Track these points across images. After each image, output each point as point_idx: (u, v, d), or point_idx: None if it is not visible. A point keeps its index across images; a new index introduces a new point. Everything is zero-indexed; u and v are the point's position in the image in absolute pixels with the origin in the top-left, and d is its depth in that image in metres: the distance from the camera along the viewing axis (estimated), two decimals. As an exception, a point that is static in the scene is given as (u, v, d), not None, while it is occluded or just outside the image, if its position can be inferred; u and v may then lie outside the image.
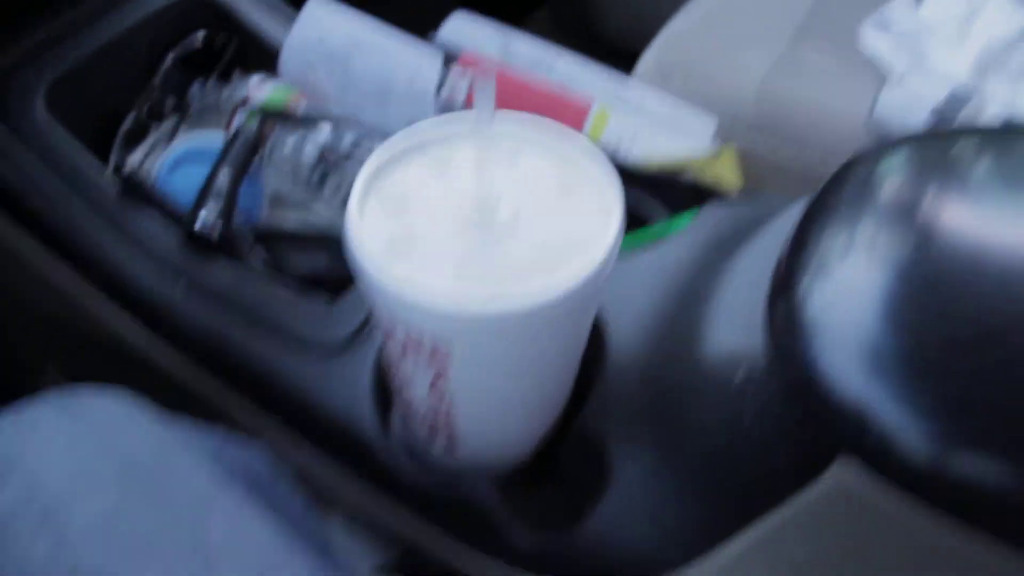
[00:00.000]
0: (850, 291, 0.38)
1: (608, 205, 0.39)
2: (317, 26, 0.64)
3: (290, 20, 0.69)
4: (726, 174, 0.62)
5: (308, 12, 0.65)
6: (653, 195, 0.60)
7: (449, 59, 0.75)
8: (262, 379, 0.53)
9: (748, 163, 0.68)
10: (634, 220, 0.60)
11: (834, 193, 0.43)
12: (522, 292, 0.36)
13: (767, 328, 0.38)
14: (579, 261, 0.37)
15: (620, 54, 0.94)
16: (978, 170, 0.43)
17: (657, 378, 0.44)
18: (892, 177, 0.43)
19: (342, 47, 0.64)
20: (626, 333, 0.47)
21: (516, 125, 0.42)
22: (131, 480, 0.34)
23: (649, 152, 0.65)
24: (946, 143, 0.45)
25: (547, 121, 0.42)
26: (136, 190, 0.60)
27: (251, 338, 0.54)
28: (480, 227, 0.38)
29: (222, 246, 0.57)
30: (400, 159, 0.41)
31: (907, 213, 0.40)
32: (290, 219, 0.65)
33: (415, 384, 0.42)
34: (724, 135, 0.72)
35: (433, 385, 0.41)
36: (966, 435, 0.33)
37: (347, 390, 0.50)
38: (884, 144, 0.46)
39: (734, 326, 0.42)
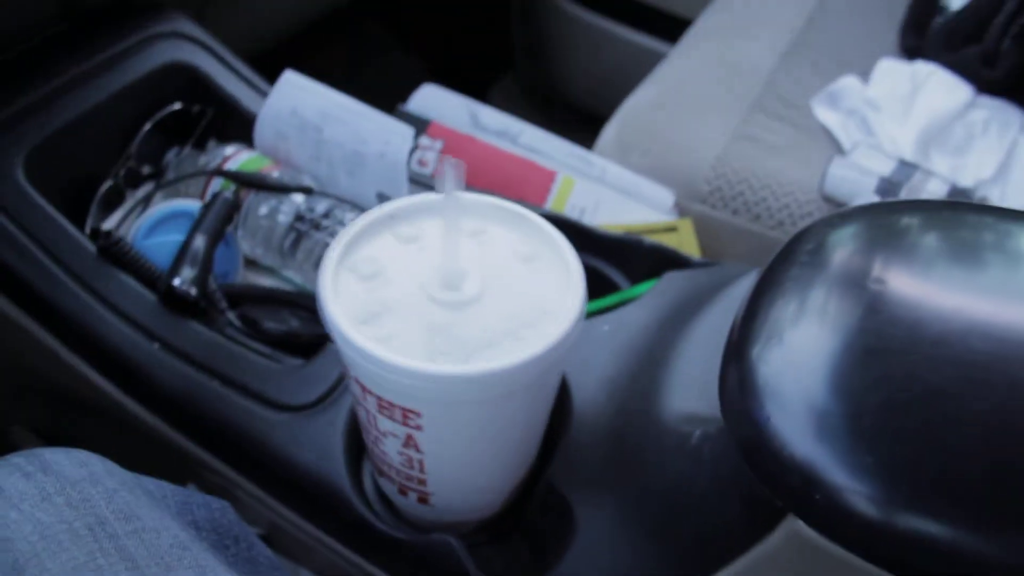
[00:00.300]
0: (798, 357, 0.40)
1: (570, 277, 0.41)
2: (291, 98, 0.67)
3: (264, 92, 0.71)
4: (685, 243, 0.65)
5: (282, 84, 0.67)
6: (617, 260, 0.62)
7: (420, 127, 0.78)
8: (236, 438, 0.55)
9: (707, 231, 0.71)
10: (599, 284, 0.63)
11: (784, 263, 0.45)
12: (489, 361, 0.38)
13: (721, 390, 0.40)
14: (544, 330, 0.39)
15: (584, 117, 0.97)
16: (923, 242, 0.46)
17: (619, 437, 0.46)
18: (841, 248, 0.46)
19: (315, 118, 0.66)
20: (590, 393, 0.49)
21: (481, 202, 0.45)
22: (99, 537, 0.35)
23: (612, 220, 0.68)
24: (892, 216, 0.48)
25: (507, 201, 0.44)
26: (113, 252, 0.61)
27: (225, 398, 0.55)
28: (448, 299, 0.40)
29: (197, 308, 0.59)
30: (371, 233, 0.44)
31: (853, 283, 0.43)
32: (265, 283, 0.67)
33: (387, 444, 0.43)
34: (683, 205, 0.75)
35: (405, 445, 0.43)
36: (908, 495, 0.36)
37: (320, 447, 0.51)
38: (832, 216, 0.48)
39: (691, 389, 0.44)
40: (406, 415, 0.40)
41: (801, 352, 0.40)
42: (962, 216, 0.48)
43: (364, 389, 0.41)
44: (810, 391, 0.38)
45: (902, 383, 0.38)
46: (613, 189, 0.70)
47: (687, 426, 0.42)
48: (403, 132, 0.63)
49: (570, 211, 0.69)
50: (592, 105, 0.96)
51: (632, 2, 1.25)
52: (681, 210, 0.72)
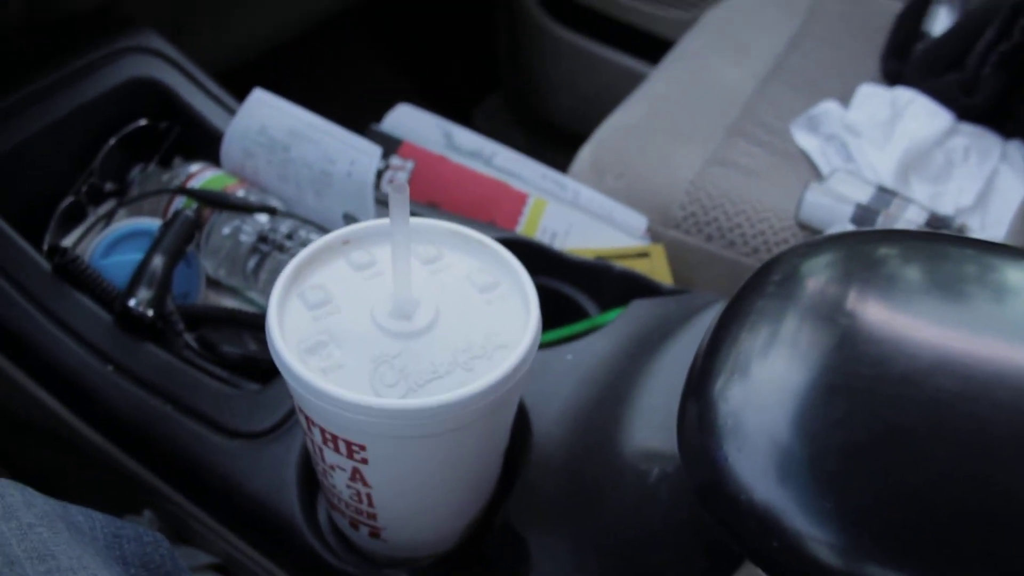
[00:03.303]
0: (760, 395, 0.39)
1: (527, 307, 0.40)
2: (259, 116, 0.66)
3: (232, 109, 0.70)
4: (657, 270, 0.63)
5: (251, 102, 0.66)
6: (585, 286, 0.61)
7: (392, 147, 0.77)
8: (188, 465, 0.53)
9: (680, 257, 0.70)
10: (567, 310, 0.62)
11: (751, 294, 0.44)
12: (437, 394, 0.36)
13: (680, 427, 0.38)
14: (496, 363, 0.38)
15: (568, 137, 0.96)
16: (895, 275, 0.45)
17: (578, 472, 0.44)
18: (809, 280, 0.44)
19: (282, 136, 0.65)
20: (551, 425, 0.47)
21: (437, 228, 0.43)
22: (21, 570, 0.33)
23: (583, 244, 0.67)
24: (864, 247, 0.47)
25: (465, 227, 0.43)
26: (68, 271, 0.60)
27: (177, 424, 0.53)
28: (398, 329, 0.39)
29: (153, 330, 0.57)
30: (323, 259, 0.42)
31: (820, 317, 0.41)
32: (227, 303, 0.65)
33: (335, 476, 0.42)
34: (656, 231, 0.74)
35: (352, 478, 0.41)
36: (869, 543, 0.34)
37: (273, 477, 0.50)
38: (802, 246, 0.47)
39: (651, 424, 0.42)
40: (351, 448, 0.39)
41: (763, 389, 0.39)
42: (936, 248, 0.47)
43: (309, 420, 0.40)
44: (770, 431, 0.37)
45: (865, 423, 0.36)
46: (586, 213, 0.68)
47: (645, 463, 0.40)
48: (370, 151, 0.61)
49: (541, 234, 0.68)
50: (576, 125, 0.95)
51: (616, 23, 1.25)
52: (654, 235, 0.71)
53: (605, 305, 0.60)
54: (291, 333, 0.39)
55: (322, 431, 0.39)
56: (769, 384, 0.39)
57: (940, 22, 0.95)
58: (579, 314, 0.61)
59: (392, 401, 0.36)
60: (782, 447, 0.36)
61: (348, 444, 0.39)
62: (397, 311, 0.40)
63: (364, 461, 0.39)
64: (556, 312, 0.60)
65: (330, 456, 0.40)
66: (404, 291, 0.39)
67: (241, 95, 0.68)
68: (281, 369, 0.38)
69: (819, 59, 0.94)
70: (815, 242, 0.47)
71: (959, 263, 0.46)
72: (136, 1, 0.77)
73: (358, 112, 0.80)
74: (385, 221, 0.45)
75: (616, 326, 0.52)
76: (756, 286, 0.44)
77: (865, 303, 0.42)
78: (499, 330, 0.40)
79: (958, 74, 0.87)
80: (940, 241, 0.48)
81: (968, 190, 0.83)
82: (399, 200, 0.37)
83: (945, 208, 0.81)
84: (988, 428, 0.36)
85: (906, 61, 0.92)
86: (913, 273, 0.45)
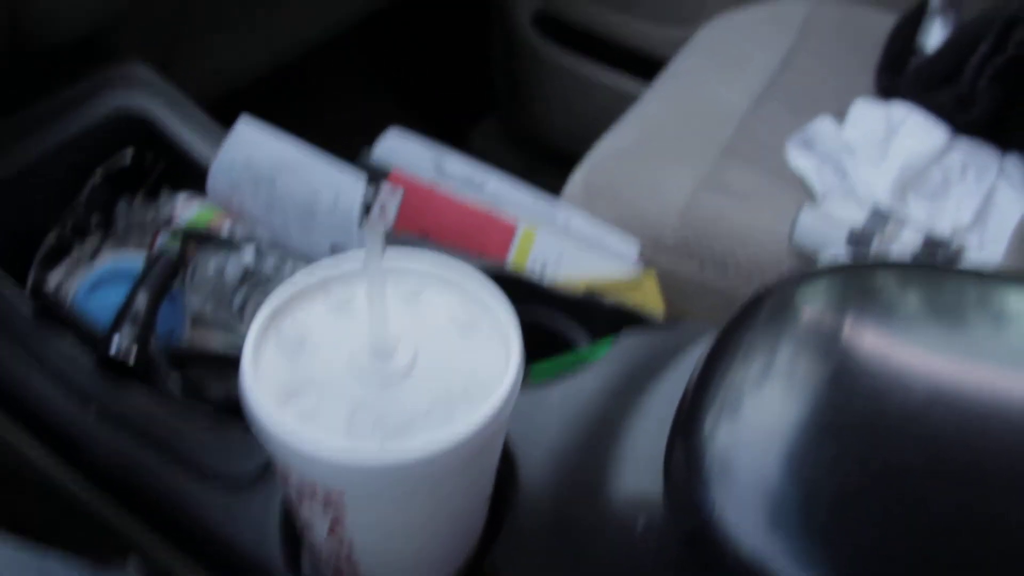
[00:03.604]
0: (751, 435, 0.38)
1: (508, 347, 0.39)
2: (245, 147, 0.65)
3: (219, 140, 0.69)
4: (649, 299, 0.62)
5: (237, 133, 0.65)
6: (575, 319, 0.60)
7: (380, 176, 0.76)
8: (169, 513, 0.52)
9: (672, 285, 0.68)
10: (556, 344, 0.61)
11: (742, 326, 0.43)
12: (414, 441, 0.35)
13: (666, 471, 0.37)
14: (476, 407, 0.37)
15: (565, 159, 0.96)
16: (892, 306, 0.43)
17: (566, 517, 0.43)
18: (802, 311, 0.43)
19: (268, 168, 0.64)
20: (538, 468, 0.46)
21: (418, 262, 0.42)
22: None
23: (574, 273, 0.66)
24: (859, 278, 0.45)
25: (446, 262, 0.42)
26: (51, 311, 0.59)
27: (161, 468, 0.52)
28: (376, 372, 0.38)
29: (137, 371, 0.56)
30: (301, 298, 0.41)
31: (814, 350, 0.40)
32: (213, 341, 0.64)
33: (314, 528, 0.41)
34: (648, 257, 0.73)
35: (332, 530, 0.40)
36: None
37: (257, 525, 0.49)
38: (795, 275, 0.46)
39: (640, 467, 0.41)
40: (327, 499, 0.38)
41: (753, 430, 0.38)
42: (932, 277, 0.46)
43: (285, 469, 0.38)
44: (761, 475, 0.35)
45: (859, 466, 0.35)
46: (576, 240, 0.67)
47: (632, 510, 0.39)
48: (354, 182, 0.60)
49: (532, 263, 0.67)
50: (574, 146, 0.95)
51: (611, 44, 1.24)
52: (646, 261, 0.70)
53: (598, 338, 0.59)
54: (266, 379, 0.38)
55: (299, 481, 0.38)
56: (760, 424, 0.38)
57: (934, 36, 0.94)
58: (569, 347, 0.60)
59: (370, 452, 0.35)
60: (773, 493, 0.35)
61: (325, 494, 0.38)
62: (375, 353, 0.38)
63: (342, 511, 0.38)
64: (546, 345, 0.59)
65: (307, 506, 0.39)
66: (381, 333, 0.38)
67: (232, 124, 0.67)
68: (251, 421, 0.37)
69: (813, 75, 0.93)
70: (809, 272, 0.46)
71: (956, 292, 0.44)
72: (123, 31, 0.77)
73: (354, 137, 0.79)
74: (358, 255, 0.44)
75: (604, 362, 0.51)
76: (747, 317, 0.43)
77: (860, 335, 0.41)
78: (480, 371, 0.39)
79: (953, 89, 0.86)
80: (935, 271, 0.47)
81: (966, 207, 0.82)
82: (374, 239, 0.36)
83: (943, 225, 0.80)
84: (990, 466, 0.35)
85: (901, 76, 0.91)
86: (909, 303, 0.44)
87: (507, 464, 0.46)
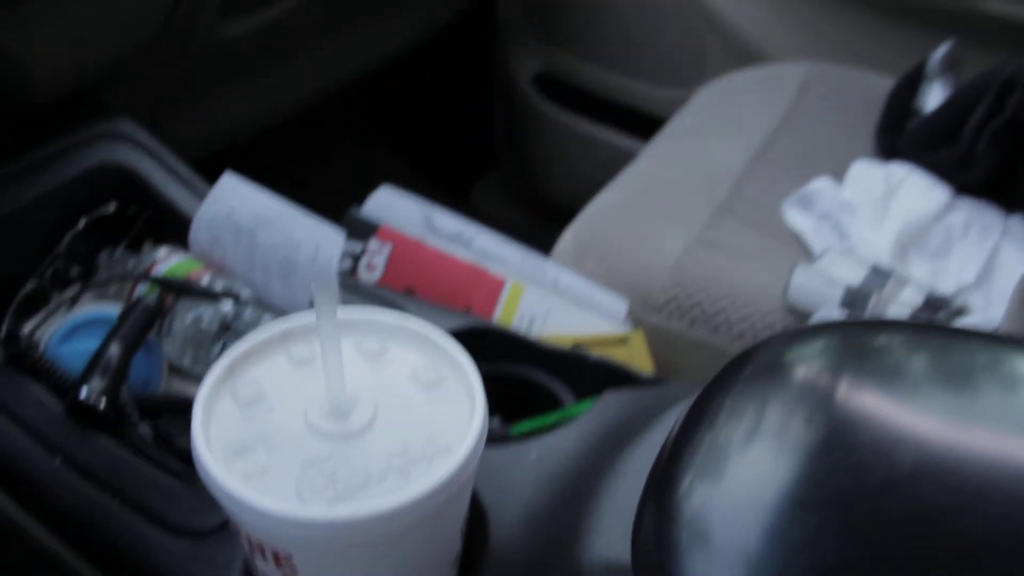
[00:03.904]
0: (729, 504, 0.35)
1: (473, 405, 0.37)
2: (227, 200, 0.64)
3: (204, 194, 0.69)
4: (637, 356, 0.61)
5: (220, 187, 0.65)
6: (561, 375, 0.58)
7: (368, 230, 0.75)
8: (132, 562, 0.50)
9: (662, 343, 0.67)
10: (541, 400, 0.59)
11: (724, 386, 0.41)
12: (365, 502, 0.33)
13: (635, 535, 0.35)
14: (435, 468, 0.35)
15: (567, 217, 0.95)
16: (886, 370, 0.41)
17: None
18: (802, 367, 0.41)
19: (249, 221, 0.63)
20: (510, 529, 0.44)
21: (385, 318, 0.41)
22: None
23: (562, 330, 0.64)
24: (852, 339, 0.43)
25: (412, 320, 0.41)
26: (22, 359, 0.58)
27: (122, 520, 0.51)
28: (331, 430, 0.36)
29: (106, 419, 0.55)
30: (261, 352, 0.40)
31: (800, 415, 0.38)
32: (190, 391, 0.63)
33: (268, 588, 0.39)
34: (637, 315, 0.71)
35: (285, 591, 0.38)
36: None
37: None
38: (786, 333, 0.44)
39: (613, 530, 0.39)
40: (278, 558, 0.36)
41: (729, 499, 0.35)
42: (934, 340, 0.43)
43: (235, 524, 0.37)
44: (735, 549, 0.33)
45: (838, 542, 0.32)
46: (565, 298, 0.66)
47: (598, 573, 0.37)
48: (333, 236, 0.59)
49: (519, 320, 0.66)
50: (576, 205, 0.94)
51: (612, 105, 1.24)
52: (635, 320, 0.68)
53: (581, 394, 0.57)
54: (219, 434, 0.37)
55: (248, 539, 0.36)
56: (740, 489, 0.35)
57: (933, 98, 0.93)
58: (554, 405, 0.58)
59: (315, 511, 0.33)
60: (749, 565, 0.32)
61: (275, 554, 0.36)
62: (332, 411, 0.37)
63: (293, 572, 0.36)
64: (530, 402, 0.58)
65: (260, 565, 0.37)
66: (337, 390, 0.37)
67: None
68: (200, 475, 0.35)
69: (811, 137, 0.92)
70: (802, 329, 0.44)
71: (960, 355, 0.42)
72: (111, 88, 0.77)
73: (352, 195, 0.79)
74: (342, 312, 0.42)
75: (585, 420, 0.49)
76: (733, 375, 0.41)
77: (848, 401, 0.38)
78: (441, 432, 0.37)
79: (953, 149, 0.85)
80: (937, 331, 0.45)
81: (969, 267, 0.80)
82: (324, 297, 0.35)
83: (946, 286, 0.78)
84: (979, 546, 0.33)
85: (900, 137, 0.90)
86: (910, 366, 0.41)
87: (478, 522, 0.44)
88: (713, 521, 0.35)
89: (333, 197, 0.77)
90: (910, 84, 0.96)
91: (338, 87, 1.15)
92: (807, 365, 0.41)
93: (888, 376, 0.40)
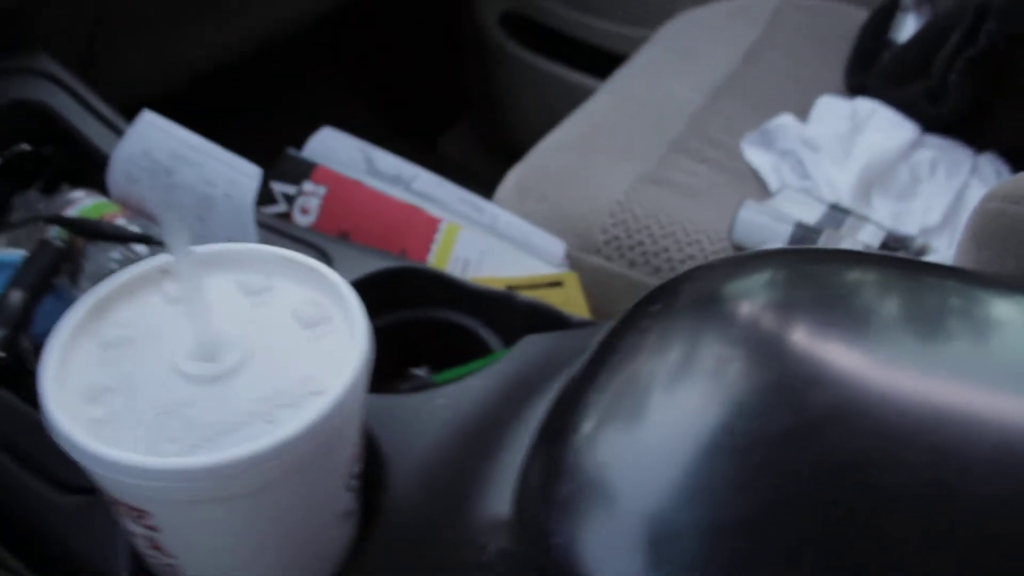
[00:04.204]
0: (654, 445, 0.32)
1: (354, 347, 0.34)
2: (146, 139, 0.61)
3: (122, 132, 0.65)
4: (572, 299, 0.58)
5: (138, 124, 0.61)
6: (489, 319, 0.55)
7: (304, 173, 0.72)
8: (23, 521, 0.47)
9: (601, 285, 0.64)
10: (469, 346, 0.56)
11: (651, 316, 0.38)
12: (225, 449, 0.31)
13: (518, 488, 0.32)
14: (302, 411, 0.32)
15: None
16: (803, 302, 0.37)
17: (430, 541, 0.38)
18: (746, 302, 0.37)
19: (165, 160, 0.60)
20: (408, 481, 0.41)
21: (267, 254, 0.38)
22: None
23: (496, 272, 0.61)
24: (817, 267, 0.38)
25: (298, 255, 0.38)
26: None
27: (13, 475, 0.48)
28: (195, 373, 0.33)
29: (5, 372, 0.52)
30: (135, 291, 0.37)
31: (760, 354, 0.34)
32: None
33: (138, 542, 0.36)
34: (575, 257, 0.68)
35: (152, 547, 0.35)
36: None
37: (104, 538, 0.44)
38: (730, 259, 0.41)
39: (506, 486, 0.36)
40: (138, 516, 0.33)
41: (636, 447, 0.32)
42: (898, 272, 0.40)
43: (92, 479, 0.34)
44: (649, 499, 0.30)
45: (730, 496, 0.29)
46: (501, 239, 0.63)
47: (485, 536, 0.34)
48: (250, 172, 0.56)
49: (454, 262, 0.63)
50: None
51: (582, 45, 1.20)
52: (574, 262, 0.65)
53: (511, 340, 0.54)
54: (77, 378, 0.34)
55: (104, 493, 0.33)
56: (645, 442, 0.32)
57: (906, 31, 0.89)
58: (483, 350, 0.55)
59: (164, 460, 0.30)
60: (661, 523, 0.29)
61: (133, 510, 0.33)
62: (197, 352, 0.34)
63: (154, 528, 0.33)
64: (461, 349, 0.55)
65: (125, 524, 0.35)
66: (203, 329, 0.34)
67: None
68: (44, 421, 0.32)
69: (778, 72, 0.88)
70: (744, 257, 0.41)
71: (929, 296, 0.38)
72: (43, 13, 0.72)
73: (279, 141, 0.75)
74: (218, 247, 0.39)
75: (499, 366, 0.46)
76: (657, 305, 0.38)
77: (807, 340, 0.35)
78: (318, 374, 0.34)
79: (923, 82, 0.81)
80: (902, 264, 0.41)
81: (935, 207, 0.76)
82: (173, 226, 0.32)
83: (910, 228, 0.75)
84: (894, 500, 0.30)
85: (871, 72, 0.86)
86: (843, 300, 0.38)
87: (377, 475, 0.42)
88: (621, 469, 0.32)
89: (288, 144, 0.73)
90: (884, 15, 0.91)
91: (295, 28, 1.11)
92: (753, 300, 0.37)
93: (821, 311, 0.36)
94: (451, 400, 0.44)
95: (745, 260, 0.41)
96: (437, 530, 0.37)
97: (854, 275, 0.38)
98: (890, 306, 0.37)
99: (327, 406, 0.32)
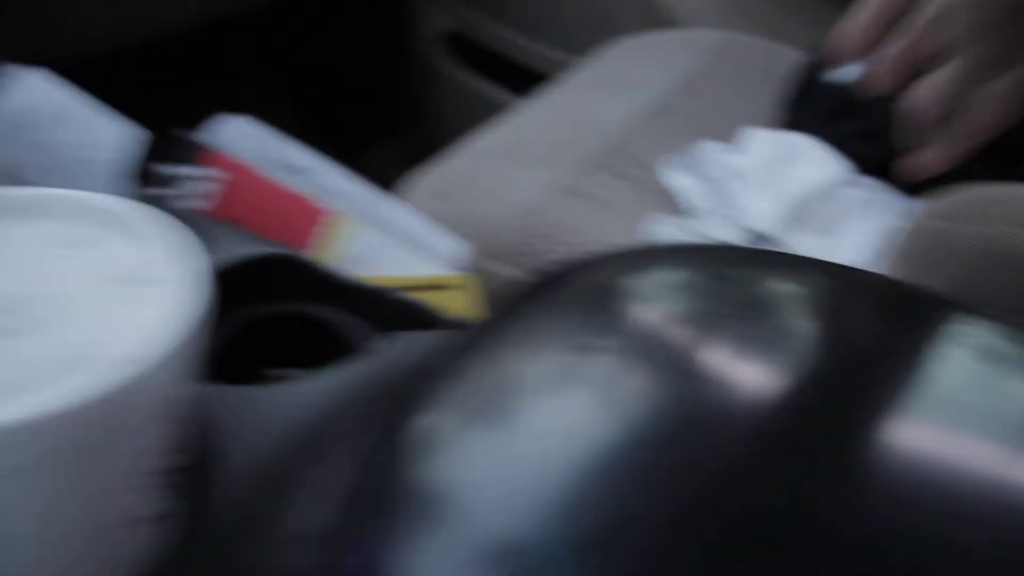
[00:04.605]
0: (515, 458, 0.27)
1: (178, 308, 0.29)
2: (18, 100, 0.56)
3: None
4: (457, 303, 0.53)
5: (9, 85, 0.56)
6: (363, 316, 0.50)
7: (189, 156, 0.67)
8: None
9: (499, 293, 0.59)
10: (339, 343, 0.51)
11: (529, 311, 0.34)
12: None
13: (341, 500, 0.27)
14: (86, 381, 0.27)
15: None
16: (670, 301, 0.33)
17: (245, 549, 0.33)
18: (645, 304, 0.33)
19: (41, 121, 0.55)
20: (240, 481, 0.36)
21: (96, 204, 0.33)
22: None
23: (385, 271, 0.57)
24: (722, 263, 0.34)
25: (137, 208, 0.33)
26: None
27: None
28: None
29: None
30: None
31: (662, 364, 0.29)
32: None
33: None
34: (478, 262, 0.64)
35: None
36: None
37: None
38: (625, 251, 0.37)
39: (335, 492, 0.31)
40: None
41: (508, 454, 0.27)
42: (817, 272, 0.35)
43: None
44: (463, 518, 0.25)
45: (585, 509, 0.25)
46: (395, 237, 0.58)
47: (294, 548, 0.29)
48: (125, 134, 0.51)
49: (343, 258, 0.58)
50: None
51: (524, 70, 1.17)
52: (479, 267, 0.61)
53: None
54: None
55: None
56: (480, 455, 0.27)
57: (848, 71, 0.87)
58: (348, 348, 0.50)
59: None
60: (477, 547, 0.24)
61: None
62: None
63: None
64: (327, 346, 0.50)
65: None
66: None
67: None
68: None
69: (713, 103, 0.85)
70: (642, 250, 0.37)
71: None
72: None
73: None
74: (36, 190, 0.34)
75: (356, 364, 0.42)
76: (537, 299, 0.34)
77: (713, 352, 0.30)
78: (124, 339, 0.29)
79: (857, 121, 0.78)
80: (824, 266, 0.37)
81: (865, 246, 0.73)
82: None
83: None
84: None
85: (805, 109, 0.84)
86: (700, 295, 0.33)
87: (205, 472, 0.36)
88: (459, 489, 0.27)
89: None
90: (823, 59, 0.89)
91: (225, 16, 1.05)
92: (653, 302, 0.33)
93: (734, 324, 0.32)
94: (291, 398, 0.39)
95: (647, 253, 0.37)
96: (249, 539, 0.32)
97: (771, 283, 0.34)
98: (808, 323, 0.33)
99: (117, 379, 0.27)
